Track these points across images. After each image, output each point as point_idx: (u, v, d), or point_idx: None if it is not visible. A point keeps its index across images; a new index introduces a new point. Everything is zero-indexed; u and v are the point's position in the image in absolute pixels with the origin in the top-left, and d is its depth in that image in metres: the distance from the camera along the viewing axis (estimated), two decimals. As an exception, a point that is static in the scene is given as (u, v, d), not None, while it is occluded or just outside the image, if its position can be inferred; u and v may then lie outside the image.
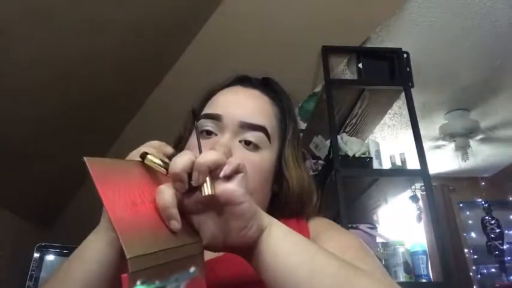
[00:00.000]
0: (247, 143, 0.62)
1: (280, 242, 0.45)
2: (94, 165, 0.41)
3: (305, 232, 0.63)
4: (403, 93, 1.79)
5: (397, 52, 1.85)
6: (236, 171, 0.43)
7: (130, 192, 0.41)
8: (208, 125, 0.64)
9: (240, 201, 0.42)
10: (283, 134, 0.70)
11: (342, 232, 0.64)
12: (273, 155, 0.66)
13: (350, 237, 0.62)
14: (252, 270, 0.50)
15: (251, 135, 0.62)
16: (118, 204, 0.39)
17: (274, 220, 0.47)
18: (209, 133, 0.63)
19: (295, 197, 0.67)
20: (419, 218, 2.66)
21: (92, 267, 0.46)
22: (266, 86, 0.73)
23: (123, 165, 0.45)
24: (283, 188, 0.67)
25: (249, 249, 0.45)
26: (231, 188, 0.42)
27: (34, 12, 1.17)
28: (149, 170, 0.46)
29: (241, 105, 0.66)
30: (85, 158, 0.41)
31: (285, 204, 0.67)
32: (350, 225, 1.57)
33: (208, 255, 0.49)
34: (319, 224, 0.66)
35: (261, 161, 0.63)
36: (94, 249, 0.47)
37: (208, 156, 0.41)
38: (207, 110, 0.67)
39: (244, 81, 0.72)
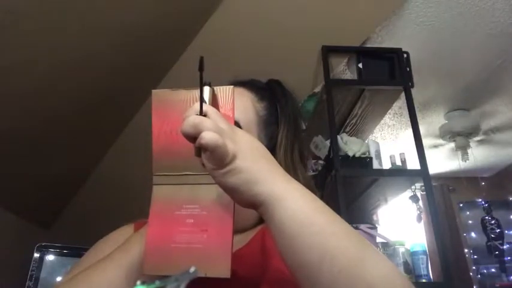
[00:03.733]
0: None
1: (290, 217, 0.43)
2: (157, 97, 0.50)
3: None
4: (403, 93, 1.79)
5: (397, 52, 1.85)
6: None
7: (176, 121, 0.47)
8: None
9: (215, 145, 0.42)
10: (271, 130, 0.69)
11: None
12: None
13: None
14: (264, 269, 0.50)
15: None
16: (162, 133, 0.49)
17: (286, 193, 0.44)
18: None
19: None
20: (419, 218, 2.66)
21: None
22: (251, 86, 0.73)
23: (183, 96, 0.50)
24: None
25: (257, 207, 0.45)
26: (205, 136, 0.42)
27: (31, 14, 1.17)
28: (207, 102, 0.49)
29: None
30: (153, 91, 0.50)
31: None
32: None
33: None
34: None
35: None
36: (112, 277, 0.51)
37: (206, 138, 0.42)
38: None
39: (234, 82, 0.73)
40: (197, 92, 0.47)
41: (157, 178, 0.50)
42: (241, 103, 0.68)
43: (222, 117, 0.45)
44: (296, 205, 0.43)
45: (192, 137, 0.42)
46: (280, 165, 0.65)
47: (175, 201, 0.49)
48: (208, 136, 0.41)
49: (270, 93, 0.74)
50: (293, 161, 0.68)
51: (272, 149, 0.68)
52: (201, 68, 0.43)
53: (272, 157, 0.48)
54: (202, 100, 0.44)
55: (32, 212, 1.99)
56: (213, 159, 0.42)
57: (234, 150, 0.43)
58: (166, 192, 0.49)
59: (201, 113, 0.43)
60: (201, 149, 0.43)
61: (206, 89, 0.47)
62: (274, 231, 0.44)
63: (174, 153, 0.48)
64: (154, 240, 0.48)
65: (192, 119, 0.42)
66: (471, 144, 2.84)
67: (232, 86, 0.50)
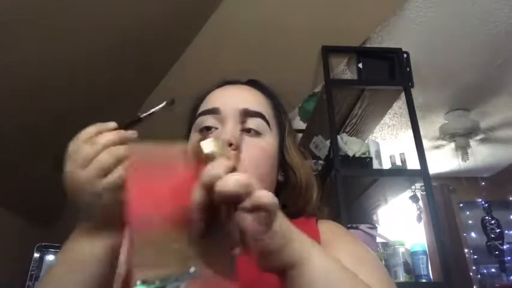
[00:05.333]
0: (248, 130, 0.63)
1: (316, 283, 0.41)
2: (134, 153, 0.40)
3: (315, 234, 0.62)
4: (403, 93, 1.79)
5: (397, 52, 1.85)
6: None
7: (161, 186, 0.39)
8: (207, 120, 0.64)
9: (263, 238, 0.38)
10: (281, 124, 0.71)
11: (355, 242, 0.63)
12: (275, 141, 0.67)
13: (364, 249, 0.61)
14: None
15: (251, 122, 0.63)
16: (142, 201, 0.38)
17: (312, 253, 0.42)
18: (209, 128, 0.64)
19: (303, 185, 0.68)
20: (419, 218, 2.66)
21: (93, 270, 0.48)
22: (253, 84, 0.74)
23: (165, 154, 0.41)
24: (290, 176, 0.69)
25: (279, 275, 0.42)
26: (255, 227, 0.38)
27: (32, 13, 1.17)
28: (189, 161, 0.42)
29: (235, 96, 0.67)
30: (129, 145, 0.41)
31: (291, 194, 0.68)
32: (350, 225, 1.57)
33: None
34: (330, 229, 0.65)
35: (267, 145, 0.64)
36: (93, 256, 0.48)
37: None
38: (202, 108, 0.68)
39: (231, 81, 0.74)
40: (177, 148, 0.41)
41: (138, 261, 0.36)
42: (257, 98, 0.68)
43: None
44: (322, 271, 0.42)
45: (232, 198, 0.37)
46: (290, 152, 0.69)
47: None
48: (268, 196, 0.37)
49: (268, 92, 0.74)
50: (300, 150, 0.71)
51: (281, 138, 0.70)
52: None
53: None
54: (238, 151, 0.40)
55: (32, 212, 1.99)
56: (264, 221, 0.38)
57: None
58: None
59: (234, 168, 0.38)
60: (208, 224, 0.38)
61: (207, 143, 0.41)
62: None
63: (157, 226, 0.38)
64: None
65: (237, 178, 0.37)
66: (471, 144, 2.84)
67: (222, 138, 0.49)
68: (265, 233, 0.38)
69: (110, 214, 0.46)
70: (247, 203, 0.37)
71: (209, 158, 0.40)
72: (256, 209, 0.37)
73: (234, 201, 0.37)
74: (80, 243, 0.49)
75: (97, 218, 0.48)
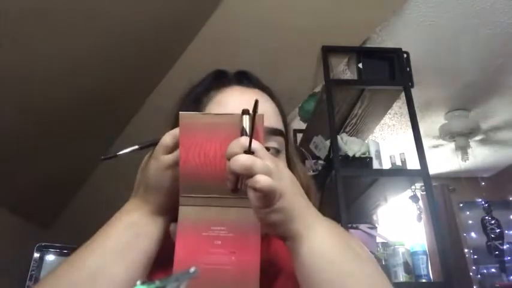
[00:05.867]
0: (268, 149, 0.55)
1: (318, 254, 0.46)
2: (184, 119, 0.48)
3: None
4: (403, 93, 1.79)
5: (397, 52, 1.85)
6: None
7: (204, 144, 0.47)
8: None
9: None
10: (286, 128, 0.66)
11: (355, 243, 0.62)
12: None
13: (363, 251, 0.60)
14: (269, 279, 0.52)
15: (273, 141, 0.59)
16: (190, 154, 0.47)
17: (314, 233, 0.47)
18: None
19: (304, 190, 0.66)
20: (419, 218, 2.66)
21: (151, 246, 0.51)
22: (247, 78, 0.68)
23: (211, 119, 0.49)
24: None
25: (285, 240, 0.47)
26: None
27: (34, 9, 1.17)
28: (237, 128, 0.48)
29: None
30: (180, 113, 0.47)
31: None
32: (350, 225, 1.57)
33: None
34: None
35: (285, 163, 0.61)
36: (158, 229, 0.52)
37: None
38: (215, 111, 0.61)
39: (240, 79, 0.67)
40: (226, 117, 0.48)
41: (184, 199, 0.50)
42: (273, 109, 0.63)
43: (267, 152, 0.45)
44: (321, 245, 0.46)
45: (238, 175, 0.43)
46: (292, 160, 0.66)
47: (203, 223, 0.49)
48: (264, 182, 0.42)
49: (274, 97, 0.67)
50: (300, 161, 0.69)
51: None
52: (254, 110, 0.45)
53: (303, 191, 0.50)
54: (251, 138, 0.44)
55: (32, 212, 1.99)
56: (262, 200, 0.43)
57: (281, 190, 0.44)
58: (193, 214, 0.50)
59: (250, 150, 0.43)
60: (237, 183, 0.45)
61: (246, 118, 0.46)
62: (297, 264, 0.47)
63: (202, 176, 0.48)
64: (181, 261, 0.48)
65: (243, 160, 0.42)
66: (471, 144, 2.84)
67: (263, 114, 0.48)
68: (263, 209, 0.44)
69: (172, 199, 0.52)
70: (248, 182, 0.43)
71: (243, 131, 0.46)
72: (254, 189, 0.42)
73: (240, 176, 0.43)
74: (142, 217, 0.52)
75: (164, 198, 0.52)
